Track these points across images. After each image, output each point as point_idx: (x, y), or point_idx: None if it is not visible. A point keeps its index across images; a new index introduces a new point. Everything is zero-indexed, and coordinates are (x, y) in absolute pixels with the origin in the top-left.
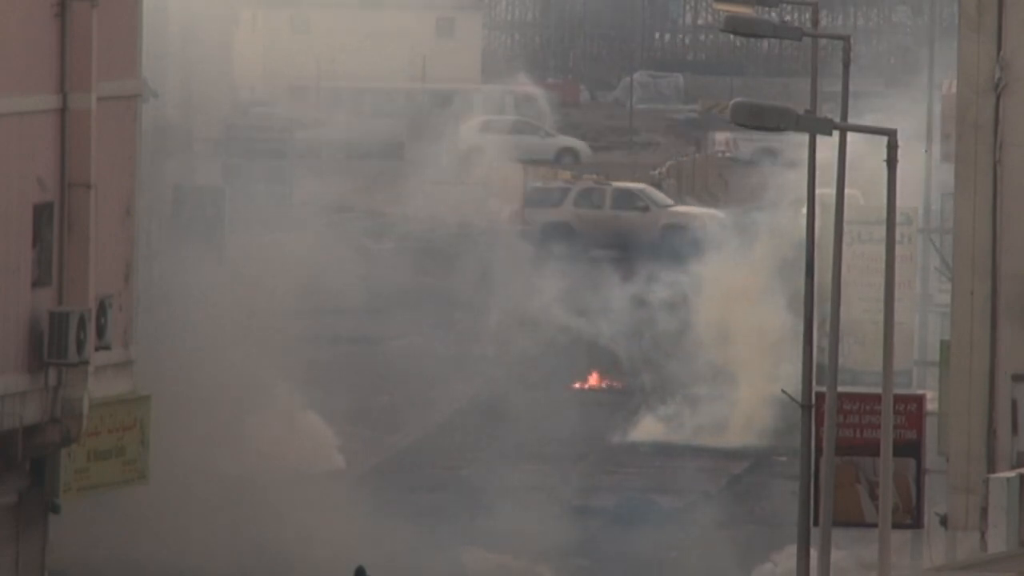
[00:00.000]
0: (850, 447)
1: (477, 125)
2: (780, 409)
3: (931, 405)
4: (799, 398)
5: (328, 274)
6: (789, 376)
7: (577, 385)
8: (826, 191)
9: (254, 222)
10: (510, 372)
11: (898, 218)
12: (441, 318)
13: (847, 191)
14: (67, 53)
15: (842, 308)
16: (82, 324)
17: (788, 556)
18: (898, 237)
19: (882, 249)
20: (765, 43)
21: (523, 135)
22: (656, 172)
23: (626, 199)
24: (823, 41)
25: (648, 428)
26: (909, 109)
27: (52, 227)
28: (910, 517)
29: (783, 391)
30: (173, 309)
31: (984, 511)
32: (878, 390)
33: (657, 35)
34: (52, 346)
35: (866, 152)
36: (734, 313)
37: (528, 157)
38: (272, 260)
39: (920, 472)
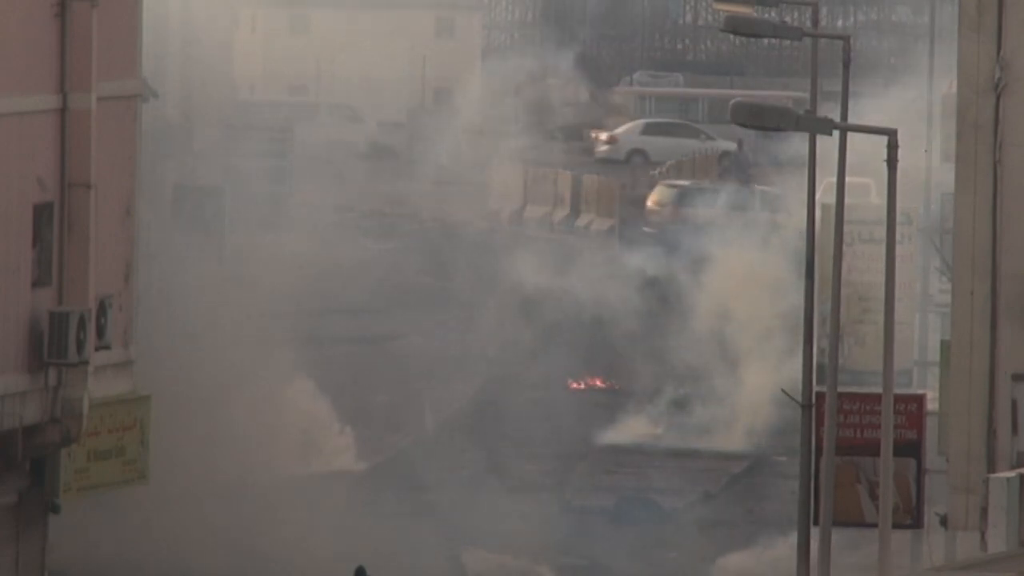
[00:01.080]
0: (850, 447)
1: (639, 128)
2: (782, 408)
3: (931, 405)
4: (799, 398)
5: (329, 274)
6: None
7: (578, 385)
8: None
9: (254, 222)
10: (510, 371)
11: (898, 218)
12: (441, 318)
13: (861, 180)
14: (67, 53)
15: (842, 308)
16: (82, 324)
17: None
18: (898, 237)
19: (883, 249)
20: (765, 43)
21: (683, 139)
22: (656, 172)
23: (770, 202)
24: (823, 41)
25: (648, 428)
26: (909, 108)
27: (52, 227)
28: (910, 517)
29: (783, 391)
30: (173, 309)
31: (984, 511)
32: (878, 390)
33: (657, 35)
34: (52, 346)
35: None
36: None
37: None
38: (272, 260)
39: (920, 472)
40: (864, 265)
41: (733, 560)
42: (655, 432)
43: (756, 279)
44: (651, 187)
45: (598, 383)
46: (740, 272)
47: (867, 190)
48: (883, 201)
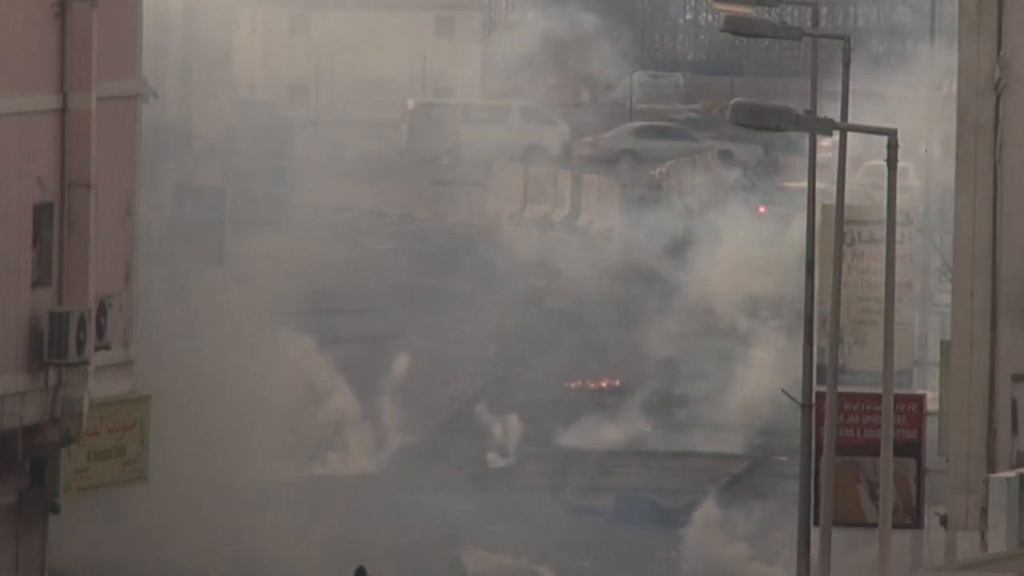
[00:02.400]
0: (850, 447)
1: None
2: (782, 408)
3: (931, 405)
4: (799, 398)
5: (329, 274)
6: None
7: (577, 384)
8: (877, 162)
9: (254, 222)
10: (510, 371)
11: (898, 218)
12: (441, 318)
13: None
14: (67, 53)
15: (842, 308)
16: (82, 324)
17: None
18: (898, 237)
19: (883, 249)
20: (765, 43)
21: None
22: (656, 172)
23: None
24: (823, 41)
25: (647, 428)
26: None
27: (52, 227)
28: (910, 517)
29: (783, 391)
30: (173, 309)
31: (984, 511)
32: (878, 390)
33: (657, 35)
34: (52, 346)
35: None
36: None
37: None
38: (272, 260)
39: (920, 472)
40: (864, 265)
41: (732, 560)
42: (655, 432)
43: (761, 274)
44: (651, 187)
45: (602, 384)
46: (744, 270)
47: (905, 173)
48: (921, 183)
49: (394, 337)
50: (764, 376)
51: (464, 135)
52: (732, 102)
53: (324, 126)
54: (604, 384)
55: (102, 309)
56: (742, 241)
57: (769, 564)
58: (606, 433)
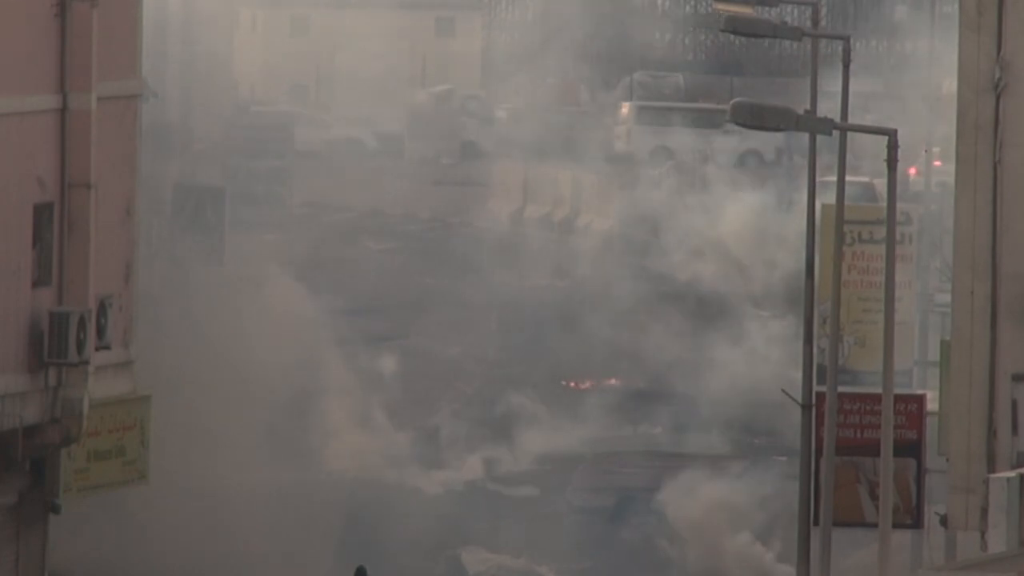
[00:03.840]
0: (850, 447)
1: None
2: (781, 408)
3: (931, 405)
4: (799, 398)
5: (329, 274)
6: None
7: (577, 384)
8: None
9: (254, 222)
10: (509, 371)
11: (898, 218)
12: (441, 318)
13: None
14: (67, 53)
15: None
16: (82, 324)
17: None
18: (898, 237)
19: (883, 249)
20: (765, 43)
21: None
22: (656, 172)
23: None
24: (823, 41)
25: (647, 428)
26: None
27: (52, 227)
28: (910, 517)
29: (783, 391)
30: (173, 309)
31: (984, 511)
32: (878, 390)
33: (657, 35)
34: (52, 346)
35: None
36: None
37: None
38: (272, 260)
39: (920, 472)
40: (864, 265)
41: (734, 559)
42: (655, 432)
43: (771, 270)
44: (653, 185)
45: (602, 384)
46: (752, 265)
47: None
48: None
49: (394, 337)
50: (767, 375)
51: (677, 137)
52: (732, 102)
53: (324, 126)
54: (604, 383)
55: (102, 309)
56: (752, 236)
57: (769, 562)
58: (606, 433)
